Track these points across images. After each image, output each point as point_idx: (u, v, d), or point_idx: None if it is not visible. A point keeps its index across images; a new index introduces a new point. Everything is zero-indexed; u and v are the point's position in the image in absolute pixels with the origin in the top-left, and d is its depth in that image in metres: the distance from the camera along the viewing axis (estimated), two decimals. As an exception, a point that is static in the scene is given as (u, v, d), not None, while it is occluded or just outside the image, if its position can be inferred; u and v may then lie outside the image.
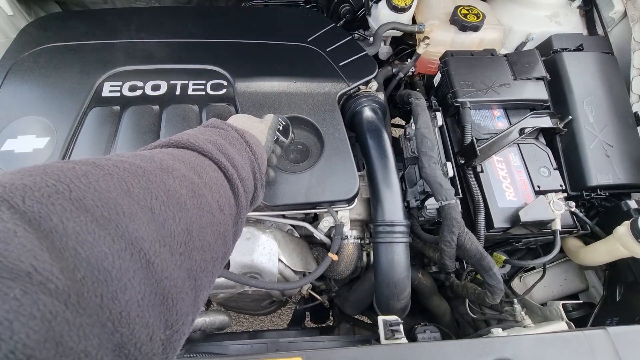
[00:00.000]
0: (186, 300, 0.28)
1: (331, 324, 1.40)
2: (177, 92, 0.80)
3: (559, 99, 0.96)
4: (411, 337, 0.72)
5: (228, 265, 0.74)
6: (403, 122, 1.33)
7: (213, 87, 0.82)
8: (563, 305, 0.79)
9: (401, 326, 0.53)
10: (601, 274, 1.03)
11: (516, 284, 1.07)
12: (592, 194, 0.87)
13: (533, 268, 1.10)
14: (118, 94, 0.79)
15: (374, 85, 0.92)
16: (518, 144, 0.90)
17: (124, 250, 0.24)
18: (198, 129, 0.50)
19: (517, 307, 0.85)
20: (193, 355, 0.81)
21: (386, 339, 0.53)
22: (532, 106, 0.94)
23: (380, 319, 0.55)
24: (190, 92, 0.80)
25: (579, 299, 1.09)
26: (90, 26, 0.90)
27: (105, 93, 0.79)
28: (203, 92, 0.81)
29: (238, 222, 0.43)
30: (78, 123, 0.76)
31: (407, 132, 0.96)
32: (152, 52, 0.86)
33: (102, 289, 0.21)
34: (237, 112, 0.79)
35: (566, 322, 0.72)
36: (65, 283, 0.19)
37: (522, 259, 0.99)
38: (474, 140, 0.82)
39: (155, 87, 0.80)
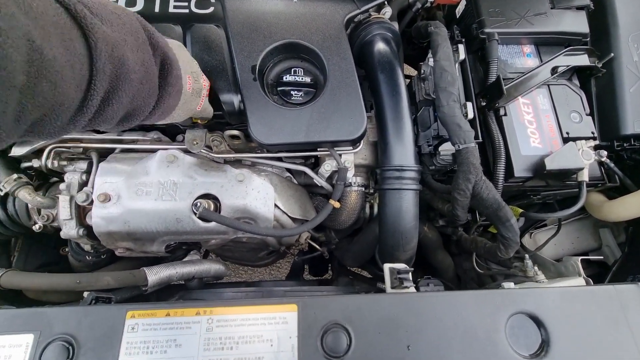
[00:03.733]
0: None
1: (330, 277, 1.38)
2: (156, 9, 0.68)
3: (599, 33, 0.83)
4: (414, 290, 0.68)
5: (219, 208, 0.67)
6: (412, 72, 1.20)
7: (198, 4, 0.69)
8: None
9: (410, 275, 0.47)
10: (617, 233, 0.97)
11: (526, 240, 1.02)
12: (625, 144, 0.78)
13: (544, 225, 1.05)
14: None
15: (387, 11, 0.79)
16: (548, 85, 0.80)
17: None
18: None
19: (529, 262, 0.80)
20: (186, 300, 0.77)
21: (392, 287, 0.47)
22: (568, 41, 0.81)
23: (387, 266, 0.49)
24: (171, 9, 0.68)
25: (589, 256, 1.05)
26: None
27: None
28: (187, 10, 0.69)
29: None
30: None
31: (422, 71, 0.84)
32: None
33: None
34: (227, 35, 0.68)
35: (584, 277, 0.67)
36: None
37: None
38: (500, 77, 0.71)
39: (130, 2, 0.68)
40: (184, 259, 0.84)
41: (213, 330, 0.40)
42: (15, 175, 0.65)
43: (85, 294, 0.50)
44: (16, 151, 0.67)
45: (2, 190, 0.64)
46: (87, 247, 0.78)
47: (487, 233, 1.03)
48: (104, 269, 0.87)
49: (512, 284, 0.65)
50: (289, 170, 0.80)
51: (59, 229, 0.71)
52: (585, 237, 1.03)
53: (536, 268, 0.76)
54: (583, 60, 0.80)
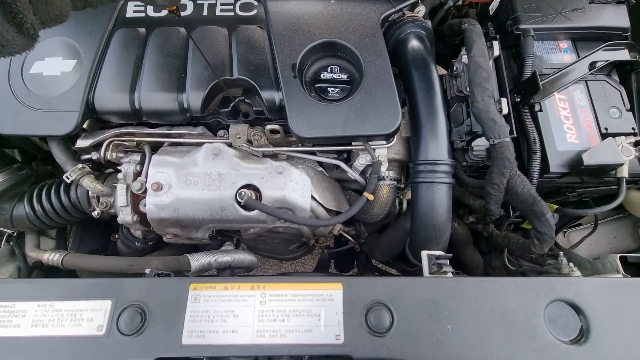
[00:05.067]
0: None
1: (355, 274, 1.40)
2: (205, 13, 0.74)
3: (641, 27, 0.81)
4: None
5: (260, 198, 0.72)
6: (441, 71, 1.19)
7: (242, 7, 0.74)
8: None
9: (448, 260, 0.49)
10: (659, 233, 0.94)
11: (559, 239, 1.01)
12: (668, 141, 0.76)
13: (579, 224, 1.03)
14: (142, 14, 0.74)
15: (421, 9, 0.81)
16: (586, 81, 0.79)
17: None
18: None
19: (563, 259, 0.79)
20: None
21: (430, 273, 0.49)
22: (607, 36, 0.80)
23: (425, 253, 0.51)
24: (218, 12, 0.74)
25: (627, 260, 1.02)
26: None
27: (130, 13, 0.74)
28: (232, 13, 0.74)
29: None
30: (104, 45, 0.72)
31: (454, 68, 0.85)
32: (177, -31, 0.79)
33: None
34: (269, 36, 0.72)
35: (623, 275, 0.66)
36: None
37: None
38: (537, 73, 0.71)
39: (181, 7, 0.74)
40: (221, 248, 0.90)
41: (266, 304, 0.43)
42: (80, 165, 0.72)
43: (147, 270, 0.55)
44: (80, 143, 0.74)
45: (68, 179, 0.71)
46: (137, 234, 0.84)
47: (519, 230, 1.02)
48: (149, 255, 0.94)
49: (547, 279, 0.65)
50: (321, 164, 0.84)
51: (114, 216, 0.77)
52: (624, 237, 1.00)
53: (571, 265, 0.76)
54: (623, 55, 0.78)
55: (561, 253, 0.80)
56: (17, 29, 0.35)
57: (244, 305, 0.43)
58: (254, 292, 0.44)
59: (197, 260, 0.79)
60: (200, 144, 0.75)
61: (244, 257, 0.88)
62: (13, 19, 0.35)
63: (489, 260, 1.06)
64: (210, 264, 0.81)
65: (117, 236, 0.93)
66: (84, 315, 0.42)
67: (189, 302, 0.44)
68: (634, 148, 0.71)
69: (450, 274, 0.48)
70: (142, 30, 0.73)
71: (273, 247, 1.13)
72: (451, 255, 0.51)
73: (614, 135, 0.73)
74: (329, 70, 0.74)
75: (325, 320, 0.43)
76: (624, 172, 0.71)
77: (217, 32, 0.72)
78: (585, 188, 0.82)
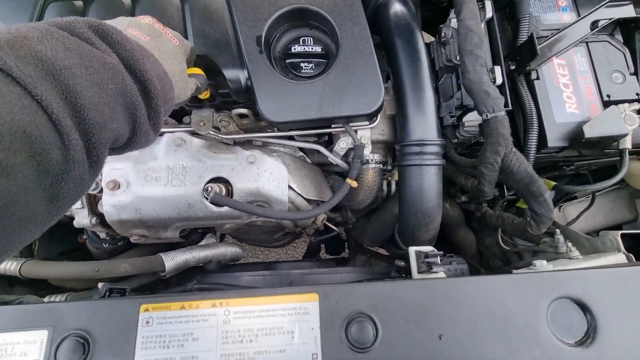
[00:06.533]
0: None
1: (346, 256, 1.37)
2: (152, -21, 0.63)
3: (648, -22, 0.72)
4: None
5: (231, 192, 0.64)
6: (427, 38, 1.09)
7: (196, -29, 0.63)
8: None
9: (439, 258, 0.43)
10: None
11: (554, 214, 0.97)
12: (673, 106, 0.70)
13: (575, 197, 0.98)
14: (77, -16, 0.63)
15: (403, -33, 0.71)
16: (587, 43, 0.71)
17: None
18: (32, 27, 0.29)
19: (560, 237, 0.75)
20: (204, 285, 0.77)
21: (419, 272, 0.44)
22: (612, -10, 0.72)
23: (412, 249, 0.46)
24: (167, -22, 0.63)
25: (622, 230, 0.99)
26: None
27: (62, -17, 0.63)
28: (184, -21, 0.63)
29: (61, 181, 0.28)
30: (37, 18, 0.61)
31: (442, 34, 0.76)
32: None
33: None
34: (228, 4, 0.62)
35: (624, 253, 0.62)
36: None
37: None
38: (534, 36, 0.63)
39: (123, -27, 0.63)
40: (200, 243, 0.83)
41: (230, 323, 0.38)
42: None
43: (100, 285, 0.49)
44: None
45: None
46: (102, 235, 0.77)
47: (512, 207, 0.98)
48: (122, 255, 0.87)
49: (544, 262, 0.61)
50: (301, 149, 0.76)
51: (72, 218, 0.70)
52: (620, 208, 0.96)
53: (569, 244, 0.71)
54: (628, 11, 0.70)
55: (558, 231, 0.76)
56: None
57: (204, 326, 0.38)
58: (215, 309, 0.38)
59: (171, 260, 0.72)
60: (161, 134, 0.67)
61: (225, 250, 0.82)
62: None
63: (482, 238, 1.03)
64: (187, 262, 0.75)
65: (84, 237, 0.86)
66: (15, 349, 0.36)
67: (139, 326, 0.38)
68: (638, 116, 0.65)
69: (442, 274, 0.43)
70: (79, 3, 0.62)
71: (257, 237, 1.07)
72: (442, 253, 0.45)
73: (616, 102, 0.66)
74: (300, 43, 0.65)
75: (299, 337, 0.37)
76: (627, 144, 0.65)
77: (167, 2, 0.62)
78: (583, 161, 0.76)
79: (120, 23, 0.41)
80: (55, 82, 0.27)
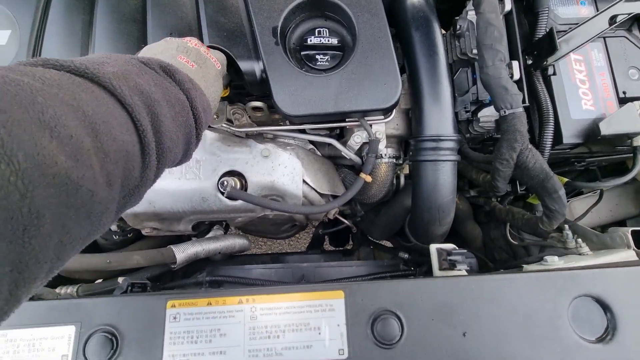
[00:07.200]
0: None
1: (350, 248, 1.38)
2: (164, -34, 0.61)
3: (669, -27, 0.71)
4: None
5: (245, 186, 0.64)
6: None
7: (210, -42, 0.61)
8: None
9: (461, 257, 0.44)
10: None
11: (561, 209, 0.97)
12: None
13: (581, 192, 0.99)
14: (87, -31, 0.60)
15: (421, -44, 0.69)
16: (604, 38, 0.70)
17: None
18: (126, 62, 0.34)
19: (569, 233, 0.76)
20: (215, 278, 0.77)
21: (441, 270, 0.44)
22: (631, -16, 0.70)
23: (434, 247, 0.46)
24: (180, -35, 0.61)
25: (626, 225, 1.00)
26: None
27: (70, -32, 0.61)
28: (198, -33, 0.61)
29: (131, 195, 0.33)
30: (42, 10, 0.59)
31: (457, 26, 0.75)
32: None
33: None
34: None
35: (634, 250, 0.63)
36: None
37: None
38: (554, 30, 0.63)
39: (135, -41, 0.61)
40: (209, 235, 0.84)
41: (257, 319, 0.38)
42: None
43: (120, 279, 0.49)
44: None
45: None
46: (113, 227, 0.77)
47: (519, 201, 0.99)
48: (131, 247, 0.87)
49: (555, 258, 0.61)
50: (311, 141, 0.76)
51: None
52: (625, 203, 0.97)
53: (578, 239, 0.72)
54: (648, 6, 0.69)
55: (566, 226, 0.77)
56: None
57: (231, 322, 0.38)
58: (242, 306, 0.38)
59: (182, 252, 0.72)
60: (173, 126, 0.66)
61: (233, 242, 0.82)
62: None
63: (487, 230, 1.04)
64: (197, 254, 0.75)
65: (93, 228, 0.86)
66: (43, 344, 0.36)
67: (167, 322, 0.38)
68: (653, 113, 0.65)
69: (464, 271, 0.43)
70: (88, -11, 0.60)
71: (265, 229, 1.07)
72: (465, 250, 0.45)
73: (632, 99, 0.66)
74: (316, 34, 0.63)
75: (326, 333, 0.38)
76: (641, 141, 0.65)
77: (180, -9, 0.60)
78: (594, 158, 0.76)
79: (169, 48, 0.43)
80: (148, 110, 0.31)
